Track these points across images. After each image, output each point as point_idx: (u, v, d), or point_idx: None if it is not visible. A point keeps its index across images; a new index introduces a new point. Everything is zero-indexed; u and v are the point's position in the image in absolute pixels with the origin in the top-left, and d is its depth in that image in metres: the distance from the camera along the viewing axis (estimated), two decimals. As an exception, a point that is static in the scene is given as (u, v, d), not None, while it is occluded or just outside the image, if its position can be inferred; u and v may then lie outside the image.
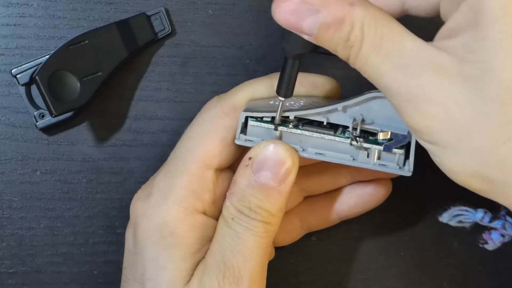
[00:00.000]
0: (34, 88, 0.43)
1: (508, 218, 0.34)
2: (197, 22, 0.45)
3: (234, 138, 0.37)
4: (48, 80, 0.41)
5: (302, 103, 0.38)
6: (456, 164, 0.31)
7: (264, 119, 0.37)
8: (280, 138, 0.37)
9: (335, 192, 0.43)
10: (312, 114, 0.37)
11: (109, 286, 0.45)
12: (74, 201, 0.45)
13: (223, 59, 0.45)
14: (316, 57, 0.45)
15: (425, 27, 0.34)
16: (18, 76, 0.43)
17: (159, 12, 0.44)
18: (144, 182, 0.40)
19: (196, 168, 0.37)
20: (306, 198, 0.43)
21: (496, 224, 0.34)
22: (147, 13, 0.44)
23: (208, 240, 0.38)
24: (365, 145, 0.36)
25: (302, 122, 0.37)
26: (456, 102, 0.30)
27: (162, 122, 0.45)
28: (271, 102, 0.38)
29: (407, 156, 0.36)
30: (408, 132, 0.36)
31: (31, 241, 0.45)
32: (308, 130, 0.37)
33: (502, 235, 0.35)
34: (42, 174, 0.45)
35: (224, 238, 0.37)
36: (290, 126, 0.37)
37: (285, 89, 0.35)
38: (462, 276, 0.47)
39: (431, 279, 0.47)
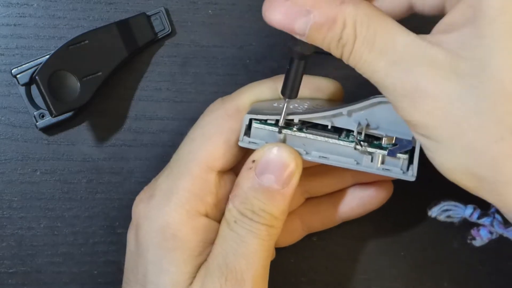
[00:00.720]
0: (34, 88, 0.43)
1: (496, 215, 0.34)
2: (197, 22, 0.45)
3: (238, 140, 0.37)
4: (48, 80, 0.41)
5: (306, 106, 0.38)
6: (448, 160, 0.31)
7: (268, 121, 0.37)
8: (284, 141, 0.37)
9: (337, 193, 0.43)
10: (316, 117, 0.36)
11: (109, 286, 0.45)
12: (74, 201, 0.45)
13: (223, 59, 0.45)
14: (316, 57, 0.45)
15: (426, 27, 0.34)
16: (18, 76, 0.43)
17: (159, 12, 0.44)
18: (144, 182, 0.40)
19: (199, 171, 0.37)
20: (308, 199, 0.43)
21: (485, 221, 0.35)
22: (147, 13, 0.44)
23: (210, 242, 0.38)
24: (369, 149, 0.36)
25: (306, 126, 0.37)
26: (451, 98, 0.30)
27: (162, 122, 0.45)
28: (275, 105, 0.38)
29: (411, 161, 0.36)
30: (413, 138, 0.35)
31: (31, 241, 0.45)
32: (312, 134, 0.37)
33: (490, 232, 0.35)
34: (42, 174, 0.45)
35: (226, 240, 0.36)
36: (294, 129, 0.37)
37: (290, 89, 0.35)
38: (462, 276, 0.47)
39: (431, 279, 0.47)
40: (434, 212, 0.36)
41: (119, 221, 0.45)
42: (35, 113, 0.43)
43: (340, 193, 0.43)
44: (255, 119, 0.37)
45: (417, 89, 0.30)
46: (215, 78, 0.45)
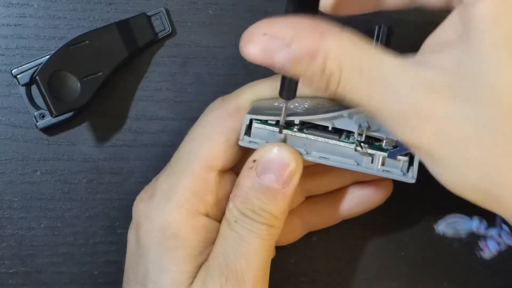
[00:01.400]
0: (34, 88, 0.43)
1: (504, 226, 0.34)
2: (197, 22, 0.45)
3: (238, 140, 0.37)
4: (48, 80, 0.41)
5: (306, 105, 0.38)
6: (454, 178, 0.31)
7: (269, 122, 0.37)
8: (284, 141, 0.37)
9: (336, 192, 0.43)
10: (317, 119, 0.36)
11: (109, 286, 0.45)
12: (75, 201, 0.45)
13: (223, 59, 0.45)
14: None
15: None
16: (18, 76, 0.43)
17: (159, 12, 0.44)
18: (144, 182, 0.40)
19: (199, 170, 0.37)
20: (308, 198, 0.43)
21: (492, 232, 0.34)
22: (147, 13, 0.44)
23: (210, 242, 0.38)
24: (370, 151, 0.36)
25: (306, 126, 0.37)
26: (452, 118, 0.29)
27: (162, 122, 0.45)
28: (276, 104, 0.38)
29: (411, 163, 0.36)
30: None
31: (31, 241, 0.45)
32: (312, 134, 0.37)
33: (498, 243, 0.35)
34: (42, 174, 0.45)
35: (227, 240, 0.36)
36: (295, 129, 0.37)
37: (287, 91, 0.35)
38: (462, 276, 0.47)
39: (431, 279, 0.47)
40: (441, 228, 0.36)
41: (119, 221, 0.45)
42: (35, 113, 0.43)
43: (339, 191, 0.43)
44: (256, 119, 0.37)
45: (416, 113, 0.30)
46: (215, 78, 0.45)
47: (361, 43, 0.31)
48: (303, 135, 0.37)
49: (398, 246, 0.47)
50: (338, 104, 0.38)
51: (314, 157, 0.37)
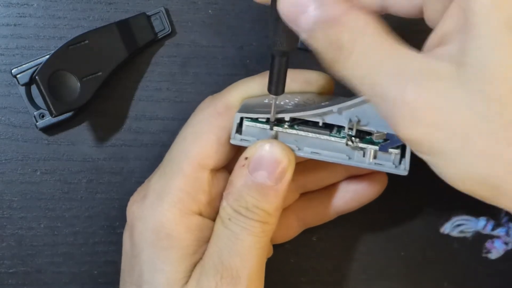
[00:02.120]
0: (34, 88, 0.43)
1: (511, 225, 0.34)
2: (197, 22, 0.45)
3: (229, 138, 0.37)
4: (48, 80, 0.41)
5: (297, 100, 0.38)
6: (459, 172, 0.30)
7: (259, 119, 0.37)
8: (275, 137, 0.37)
9: (331, 187, 0.43)
10: (307, 115, 0.36)
11: (109, 286, 0.45)
12: (74, 201, 0.45)
13: (223, 59, 0.45)
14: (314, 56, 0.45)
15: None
16: (18, 76, 0.43)
17: (159, 12, 0.44)
18: (144, 182, 0.40)
19: (191, 169, 0.37)
20: (302, 194, 0.43)
21: (500, 231, 0.34)
22: (147, 13, 0.44)
23: (205, 241, 0.38)
24: (361, 145, 0.36)
25: (297, 122, 0.37)
26: (457, 107, 0.29)
27: (162, 122, 0.45)
28: (266, 101, 0.38)
29: (403, 155, 0.36)
30: None
31: (31, 241, 0.45)
32: (303, 130, 0.37)
33: (505, 243, 0.34)
34: (42, 174, 0.45)
35: (221, 238, 0.37)
36: (285, 126, 0.37)
37: (276, 86, 0.35)
38: (462, 276, 0.47)
39: (431, 279, 0.47)
40: (447, 228, 0.36)
41: (119, 221, 0.45)
42: (35, 113, 0.43)
43: (334, 187, 0.43)
44: (246, 117, 0.37)
45: (420, 102, 0.29)
46: (215, 78, 0.45)
47: (381, 26, 0.30)
48: (294, 131, 0.37)
49: (398, 246, 0.47)
50: (327, 98, 0.38)
51: (305, 152, 0.37)
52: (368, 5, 0.34)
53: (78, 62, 0.42)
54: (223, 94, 0.39)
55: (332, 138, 0.37)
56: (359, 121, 0.36)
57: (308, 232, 0.45)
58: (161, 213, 0.37)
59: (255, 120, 0.37)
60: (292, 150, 0.36)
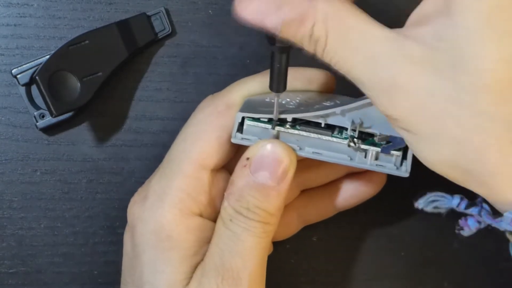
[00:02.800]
0: (34, 88, 0.43)
1: (484, 205, 0.34)
2: (197, 22, 0.45)
3: (229, 138, 0.37)
4: (48, 80, 0.41)
5: (298, 99, 0.38)
6: (432, 154, 0.31)
7: (261, 119, 0.37)
8: (277, 137, 0.37)
9: (331, 184, 0.43)
10: (310, 116, 0.36)
11: (109, 286, 0.45)
12: (75, 201, 0.45)
13: (223, 59, 0.45)
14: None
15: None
16: (18, 76, 0.43)
17: (159, 12, 0.44)
18: (144, 182, 0.40)
19: (192, 170, 0.37)
20: (303, 191, 0.43)
21: (472, 211, 0.34)
22: (147, 13, 0.44)
23: (205, 242, 0.38)
24: (363, 146, 0.36)
25: (299, 122, 0.37)
26: (429, 92, 0.29)
27: (162, 122, 0.45)
28: (267, 100, 0.38)
29: (404, 157, 0.36)
30: None
31: (31, 241, 0.45)
32: (305, 130, 0.37)
33: (478, 222, 0.34)
34: (42, 174, 0.45)
35: (222, 239, 0.36)
36: (287, 126, 0.37)
37: (277, 83, 0.35)
38: (462, 276, 0.47)
39: (431, 279, 0.47)
40: (421, 204, 0.36)
41: (119, 221, 0.45)
42: (35, 113, 0.43)
43: (334, 183, 0.43)
44: (248, 117, 0.37)
45: (394, 85, 0.30)
46: (215, 78, 0.45)
47: (352, 9, 0.31)
48: (296, 131, 0.37)
49: (398, 246, 0.47)
50: (329, 97, 0.38)
51: (307, 152, 0.37)
52: None
53: (78, 62, 0.42)
54: (223, 93, 0.39)
55: (334, 139, 0.37)
56: (362, 123, 0.36)
57: (308, 232, 0.45)
58: (161, 214, 0.37)
59: (257, 119, 0.37)
60: (294, 150, 0.36)
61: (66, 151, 0.45)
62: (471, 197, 0.34)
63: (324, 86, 0.40)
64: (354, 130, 0.36)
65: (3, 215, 0.45)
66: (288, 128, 0.37)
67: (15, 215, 0.45)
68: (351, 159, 0.37)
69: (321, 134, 0.37)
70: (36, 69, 0.42)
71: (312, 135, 0.37)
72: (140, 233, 0.37)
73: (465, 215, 0.35)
